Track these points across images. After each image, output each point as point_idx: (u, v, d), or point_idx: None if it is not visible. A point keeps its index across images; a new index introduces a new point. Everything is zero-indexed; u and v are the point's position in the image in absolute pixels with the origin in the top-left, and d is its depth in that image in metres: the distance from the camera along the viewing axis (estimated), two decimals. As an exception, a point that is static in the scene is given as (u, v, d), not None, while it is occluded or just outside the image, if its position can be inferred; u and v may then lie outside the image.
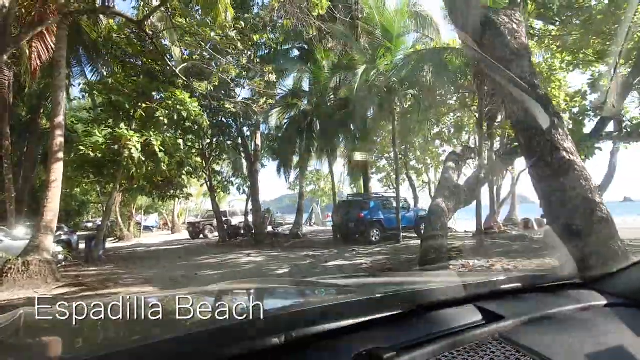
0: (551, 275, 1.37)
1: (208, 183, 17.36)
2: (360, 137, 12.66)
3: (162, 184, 16.74)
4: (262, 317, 0.75)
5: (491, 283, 1.19)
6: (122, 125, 11.38)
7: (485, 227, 14.28)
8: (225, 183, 17.80)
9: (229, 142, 18.41)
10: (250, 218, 18.81)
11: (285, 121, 16.01)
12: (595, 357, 0.78)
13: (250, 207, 20.45)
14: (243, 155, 19.37)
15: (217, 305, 0.95)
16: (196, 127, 16.89)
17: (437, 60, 11.41)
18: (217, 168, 18.98)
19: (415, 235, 14.39)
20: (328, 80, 14.47)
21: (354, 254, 10.98)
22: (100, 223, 30.68)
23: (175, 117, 12.84)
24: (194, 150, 15.58)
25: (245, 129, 17.48)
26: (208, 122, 13.14)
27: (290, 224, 28.01)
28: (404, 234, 13.97)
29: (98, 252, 12.93)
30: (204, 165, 15.90)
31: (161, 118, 11.87)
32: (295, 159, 17.72)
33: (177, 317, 0.91)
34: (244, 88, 15.15)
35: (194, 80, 11.37)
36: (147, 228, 33.36)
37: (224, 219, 18.04)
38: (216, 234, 22.15)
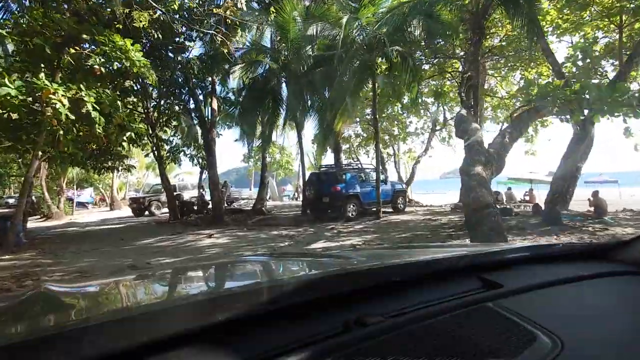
0: (561, 245, 1.35)
1: (155, 152, 14.94)
2: (336, 101, 11.07)
3: (98, 153, 14.20)
4: (250, 288, 0.87)
5: (496, 253, 1.20)
6: (42, 76, 8.80)
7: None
8: (177, 153, 15.43)
9: (178, 106, 15.97)
10: (206, 193, 16.72)
11: (247, 82, 13.87)
12: (597, 326, 0.78)
13: (204, 180, 18.31)
14: (196, 121, 17.00)
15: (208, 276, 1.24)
16: (139, 86, 14.41)
17: (428, 13, 10.01)
18: (165, 137, 16.47)
19: (391, 210, 13.36)
20: (299, 34, 12.54)
21: (335, 233, 9.61)
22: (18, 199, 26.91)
23: (114, 69, 10.45)
24: (136, 115, 13.10)
25: (198, 91, 15.13)
26: (156, 78, 10.77)
27: (246, 198, 26.15)
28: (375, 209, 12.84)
29: (16, 235, 10.40)
30: (150, 131, 13.50)
31: (95, 67, 9.39)
32: (258, 126, 15.71)
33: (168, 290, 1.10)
34: (200, 35, 12.78)
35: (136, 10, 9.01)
36: (81, 204, 29.60)
37: (174, 193, 15.77)
38: (164, 210, 19.80)
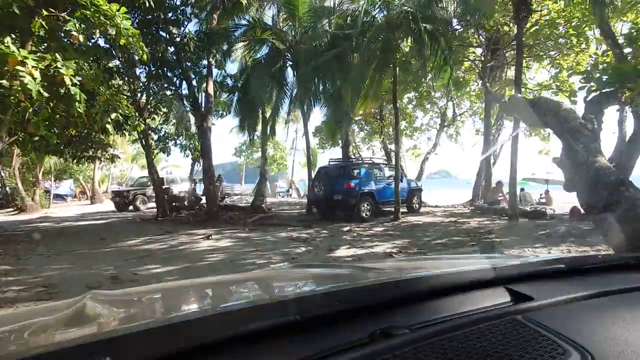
0: (597, 257, 1.31)
1: (143, 140, 13.34)
2: (355, 84, 9.71)
3: (78, 140, 12.55)
4: (276, 300, 0.94)
5: (526, 265, 1.19)
6: (8, 40, 7.20)
7: (489, 198, 12.37)
8: (166, 142, 13.84)
9: (169, 90, 14.37)
10: (198, 187, 15.17)
11: (249, 64, 12.34)
12: (630, 342, 0.72)
13: (196, 172, 16.75)
14: (189, 108, 15.41)
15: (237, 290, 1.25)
16: (125, 66, 12.77)
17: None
18: (153, 125, 14.84)
19: (406, 210, 12.09)
20: (310, 10, 11.12)
21: (355, 237, 8.27)
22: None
23: (95, 41, 8.94)
24: (123, 96, 11.51)
25: (191, 75, 13.56)
26: (147, 53, 9.22)
27: (239, 194, 24.63)
28: (389, 209, 11.58)
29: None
30: (137, 116, 11.90)
31: (74, 33, 7.83)
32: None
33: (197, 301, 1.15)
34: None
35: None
36: (59, 197, 27.55)
37: (163, 187, 14.17)
38: (150, 205, 18.14)
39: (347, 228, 9.44)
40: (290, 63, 12.71)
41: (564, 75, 11.93)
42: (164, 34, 11.91)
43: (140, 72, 13.88)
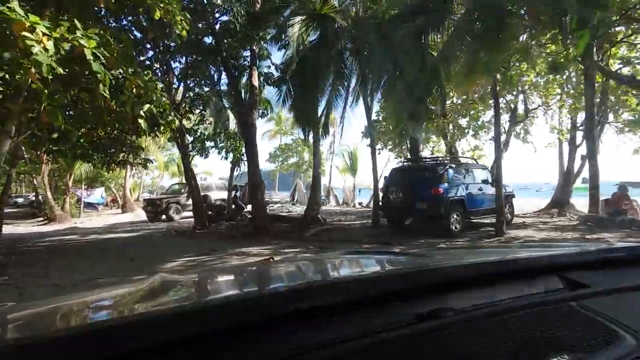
0: None
1: (179, 140, 11.61)
2: (451, 58, 7.56)
3: (107, 142, 10.90)
4: (331, 281, 1.01)
5: (580, 254, 1.17)
6: (14, 4, 5.47)
7: (610, 207, 9.77)
8: (204, 143, 12.05)
9: (206, 84, 12.63)
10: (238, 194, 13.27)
11: (306, 45, 10.31)
12: None
13: (238, 177, 14.89)
14: (228, 104, 13.63)
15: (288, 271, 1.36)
16: (159, 52, 11.10)
17: None
18: (187, 125, 13.13)
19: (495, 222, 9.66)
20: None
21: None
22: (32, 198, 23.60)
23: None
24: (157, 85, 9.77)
25: (233, 63, 11.76)
26: (189, 24, 7.34)
27: (278, 202, 22.71)
28: (477, 220, 9.22)
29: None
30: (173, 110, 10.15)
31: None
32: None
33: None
34: None
35: None
36: (90, 205, 26.52)
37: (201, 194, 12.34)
38: (185, 214, 16.43)
39: (441, 245, 7.20)
40: (350, 46, 10.60)
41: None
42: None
43: (174, 67, 12.33)
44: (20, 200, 29.37)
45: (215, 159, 41.65)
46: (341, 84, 11.31)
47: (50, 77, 5.86)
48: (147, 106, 6.89)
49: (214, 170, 30.55)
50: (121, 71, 6.80)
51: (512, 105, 16.16)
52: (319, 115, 11.41)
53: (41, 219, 19.76)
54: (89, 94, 7.03)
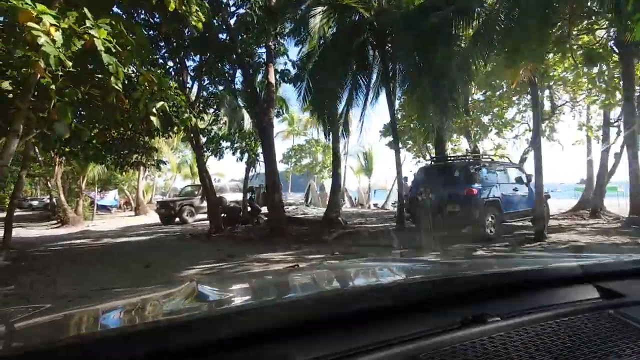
0: None
1: (193, 140, 11.21)
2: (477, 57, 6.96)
3: (121, 144, 10.53)
4: (376, 286, 1.03)
5: (616, 263, 1.16)
6: (21, -7, 5.08)
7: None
8: (220, 143, 11.61)
9: (219, 82, 12.22)
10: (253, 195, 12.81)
11: (327, 38, 9.78)
12: None
13: (253, 179, 14.44)
14: (243, 103, 13.19)
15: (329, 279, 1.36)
16: (172, 49, 10.70)
17: None
18: (201, 126, 12.72)
19: (530, 224, 9.00)
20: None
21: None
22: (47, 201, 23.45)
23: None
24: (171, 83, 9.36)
25: (248, 60, 11.32)
26: (203, 18, 6.88)
27: (292, 203, 22.24)
28: (511, 223, 8.58)
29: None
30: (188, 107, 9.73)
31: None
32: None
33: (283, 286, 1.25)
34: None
35: None
36: (103, 207, 26.42)
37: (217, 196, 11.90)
38: (199, 217, 16.07)
39: (479, 253, 6.60)
40: (373, 38, 10.05)
41: None
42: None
43: (188, 65, 11.94)
44: (35, 202, 29.48)
45: (226, 161, 41.43)
46: (362, 79, 10.76)
47: (60, 73, 5.46)
48: (160, 103, 6.44)
49: (226, 172, 30.11)
50: (134, 69, 6.39)
51: (539, 102, 15.41)
52: (339, 113, 10.87)
53: (55, 221, 19.61)
54: (100, 91, 6.67)
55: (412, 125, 14.35)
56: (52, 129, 7.52)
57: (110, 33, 5.33)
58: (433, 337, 0.65)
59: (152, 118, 6.27)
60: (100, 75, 5.76)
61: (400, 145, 17.26)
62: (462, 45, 8.94)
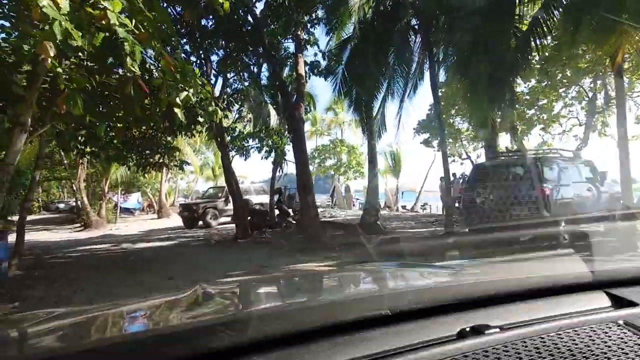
0: None
1: (218, 139, 10.42)
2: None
3: (142, 143, 9.88)
4: (369, 294, 0.98)
5: (629, 269, 1.07)
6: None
7: None
8: (247, 140, 10.78)
9: (243, 76, 11.46)
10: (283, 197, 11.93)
11: (368, 21, 8.79)
12: None
13: (280, 179, 13.58)
14: (269, 99, 12.39)
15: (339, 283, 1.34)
16: (193, 39, 9.96)
17: None
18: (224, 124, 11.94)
19: (602, 230, 7.75)
20: None
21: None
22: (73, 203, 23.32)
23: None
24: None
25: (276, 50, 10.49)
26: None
27: (319, 206, 21.30)
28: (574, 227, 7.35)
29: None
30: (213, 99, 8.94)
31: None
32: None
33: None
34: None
35: None
36: (127, 210, 26.16)
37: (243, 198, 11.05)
38: (222, 220, 15.33)
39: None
40: (415, 22, 9.00)
41: None
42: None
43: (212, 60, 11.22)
44: (62, 205, 29.58)
45: (248, 163, 40.78)
46: (401, 69, 9.73)
47: (72, 60, 4.72)
48: (184, 94, 5.60)
49: (248, 174, 29.44)
50: (153, 55, 5.57)
51: (592, 93, 14.00)
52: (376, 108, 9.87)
53: (78, 225, 19.34)
54: (118, 82, 5.95)
55: (451, 120, 13.20)
56: (64, 122, 6.81)
57: (126, 7, 4.52)
58: (428, 349, 0.62)
59: (176, 110, 5.43)
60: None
61: (434, 144, 16.20)
62: (525, 22, 7.84)
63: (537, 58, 8.96)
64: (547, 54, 9.76)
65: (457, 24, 7.61)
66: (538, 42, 7.51)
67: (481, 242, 6.99)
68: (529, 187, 6.58)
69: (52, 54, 4.50)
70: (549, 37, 8.21)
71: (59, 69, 4.50)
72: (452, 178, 14.10)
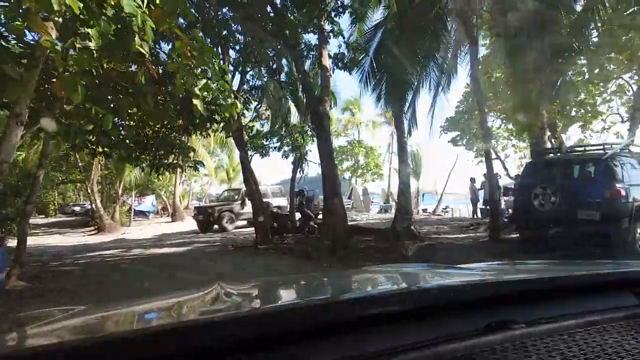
0: None
1: (236, 135, 9.67)
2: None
3: (155, 143, 9.26)
4: (401, 291, 0.96)
5: None
6: None
7: None
8: (268, 139, 10.03)
9: (261, 70, 10.76)
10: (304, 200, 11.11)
11: (393, 14, 7.97)
12: None
13: (300, 181, 12.78)
14: (290, 95, 11.62)
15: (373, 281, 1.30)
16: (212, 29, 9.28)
17: None
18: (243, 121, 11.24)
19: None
20: None
21: None
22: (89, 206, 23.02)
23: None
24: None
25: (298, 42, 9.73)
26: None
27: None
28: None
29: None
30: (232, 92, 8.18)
31: None
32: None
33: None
34: None
35: None
36: (141, 213, 25.75)
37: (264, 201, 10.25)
38: (239, 224, 14.62)
39: None
40: (453, 7, 8.10)
41: None
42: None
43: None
44: (77, 208, 29.36)
45: (263, 164, 39.97)
46: (434, 59, 8.85)
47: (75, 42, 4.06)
48: (203, 81, 4.83)
49: (262, 176, 28.75)
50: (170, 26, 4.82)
51: (636, 87, 12.86)
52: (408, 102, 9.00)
53: (92, 228, 18.91)
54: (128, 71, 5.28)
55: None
56: (62, 113, 6.14)
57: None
58: (452, 343, 0.62)
59: (195, 102, 4.67)
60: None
61: (465, 142, 15.21)
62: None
63: (590, 42, 7.96)
64: (597, 40, 8.79)
65: (507, 2, 6.71)
66: (597, 18, 6.56)
67: (529, 252, 6.04)
68: (600, 187, 5.61)
69: (53, 35, 3.81)
70: (605, 16, 7.20)
71: (58, 47, 3.79)
72: (482, 179, 13.15)
